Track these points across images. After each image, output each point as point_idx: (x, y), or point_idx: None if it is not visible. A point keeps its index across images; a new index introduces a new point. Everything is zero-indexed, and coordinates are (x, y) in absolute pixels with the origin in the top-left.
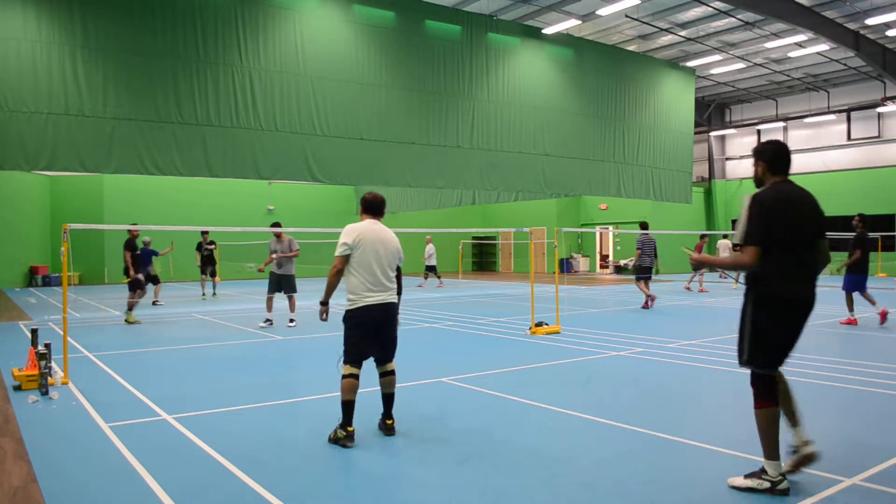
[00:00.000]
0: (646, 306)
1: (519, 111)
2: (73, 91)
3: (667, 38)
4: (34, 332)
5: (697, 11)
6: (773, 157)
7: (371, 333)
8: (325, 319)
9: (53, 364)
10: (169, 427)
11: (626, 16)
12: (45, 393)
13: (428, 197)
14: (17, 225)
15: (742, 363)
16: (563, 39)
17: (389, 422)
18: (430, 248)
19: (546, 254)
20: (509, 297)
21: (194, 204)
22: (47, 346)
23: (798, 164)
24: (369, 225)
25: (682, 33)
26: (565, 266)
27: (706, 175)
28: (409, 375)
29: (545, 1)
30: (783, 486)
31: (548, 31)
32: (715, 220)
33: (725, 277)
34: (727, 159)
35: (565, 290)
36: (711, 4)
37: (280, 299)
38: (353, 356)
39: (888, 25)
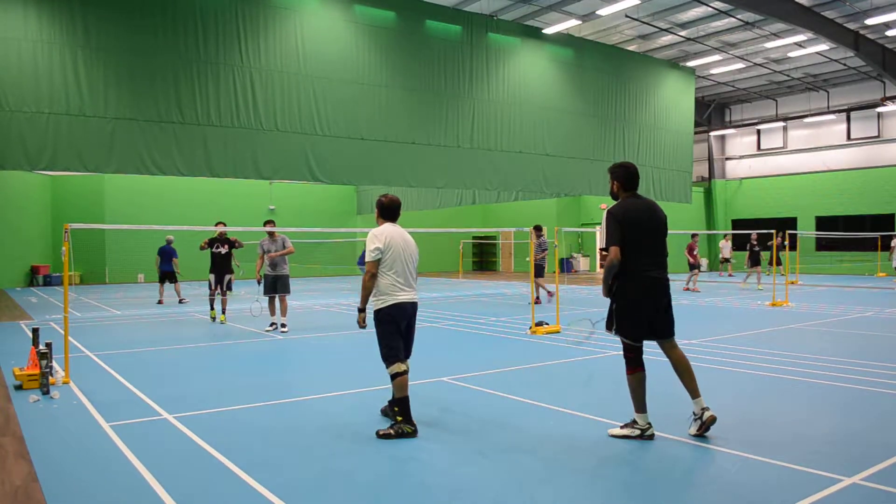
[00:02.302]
0: (550, 296)
1: (519, 111)
2: (73, 91)
3: (667, 38)
4: (35, 331)
5: (697, 11)
6: (623, 177)
7: (402, 330)
8: (365, 326)
9: (54, 363)
10: (170, 426)
11: (627, 16)
12: (46, 392)
13: (428, 197)
14: (19, 224)
15: (611, 332)
16: (564, 39)
17: (397, 408)
18: None
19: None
20: (509, 297)
21: (195, 204)
22: (48, 345)
23: (798, 163)
24: (392, 228)
25: (682, 33)
26: (566, 266)
27: (706, 175)
28: (409, 375)
29: (545, 1)
30: (649, 432)
31: (548, 31)
32: (715, 220)
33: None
34: (727, 159)
35: (565, 289)
36: (711, 4)
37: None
38: (398, 353)
39: (888, 25)
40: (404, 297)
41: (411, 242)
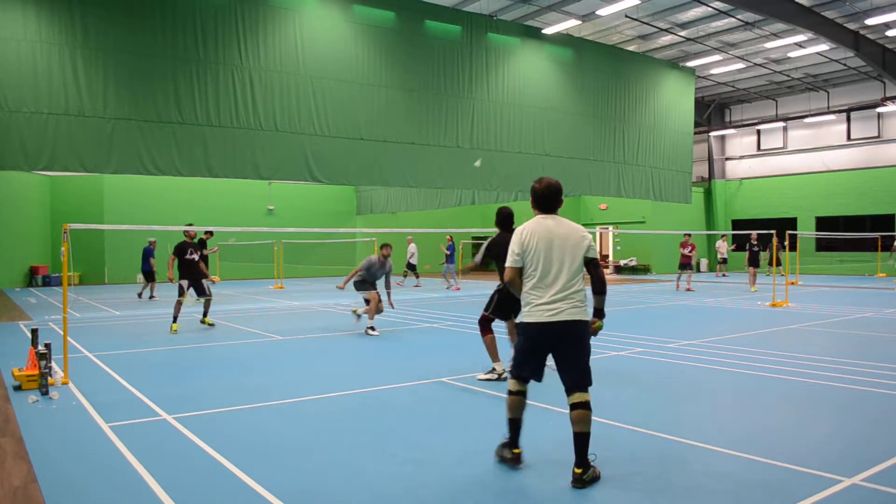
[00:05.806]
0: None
1: (519, 111)
2: (73, 91)
3: (667, 39)
4: (34, 332)
5: (697, 11)
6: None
7: (545, 352)
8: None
9: (53, 364)
10: (169, 427)
11: (626, 16)
12: (45, 393)
13: (428, 197)
14: (18, 225)
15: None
16: (563, 39)
17: (578, 471)
18: (412, 247)
19: None
20: None
21: (194, 204)
22: (47, 346)
23: (798, 164)
24: (537, 223)
25: (682, 33)
26: None
27: (706, 175)
28: (408, 375)
29: (545, 1)
30: (504, 375)
31: (548, 31)
32: (714, 221)
33: (722, 275)
34: (727, 159)
35: None
36: (711, 4)
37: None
38: (515, 371)
39: (888, 25)
40: (543, 315)
41: (569, 236)
